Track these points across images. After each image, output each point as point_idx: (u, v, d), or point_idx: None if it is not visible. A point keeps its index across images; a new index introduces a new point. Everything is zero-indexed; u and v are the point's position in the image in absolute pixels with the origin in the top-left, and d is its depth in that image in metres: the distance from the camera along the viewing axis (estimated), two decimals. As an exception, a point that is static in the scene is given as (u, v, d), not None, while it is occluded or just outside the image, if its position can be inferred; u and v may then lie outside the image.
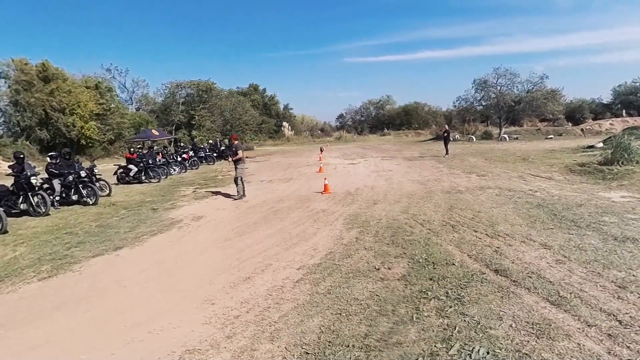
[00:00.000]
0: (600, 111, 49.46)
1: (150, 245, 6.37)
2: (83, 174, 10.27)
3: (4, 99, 29.00)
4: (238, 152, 10.44)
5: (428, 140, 34.19)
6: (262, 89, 57.60)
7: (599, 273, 4.07)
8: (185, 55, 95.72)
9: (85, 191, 10.12)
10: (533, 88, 28.50)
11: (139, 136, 32.49)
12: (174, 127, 42.21)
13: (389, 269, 4.57)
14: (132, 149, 15.48)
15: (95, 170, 11.46)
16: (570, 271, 4.17)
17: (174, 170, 17.31)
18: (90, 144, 31.15)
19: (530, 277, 4.06)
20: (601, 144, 17.18)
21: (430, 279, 4.17)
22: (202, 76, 52.74)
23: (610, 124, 34.61)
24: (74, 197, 10.17)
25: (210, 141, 29.52)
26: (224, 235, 6.75)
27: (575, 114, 46.80)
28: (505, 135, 27.89)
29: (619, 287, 3.74)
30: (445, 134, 18.40)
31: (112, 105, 36.07)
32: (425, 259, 4.79)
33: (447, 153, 18.16)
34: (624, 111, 43.14)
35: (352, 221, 7.00)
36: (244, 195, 10.20)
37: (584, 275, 4.05)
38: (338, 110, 71.28)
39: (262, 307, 3.82)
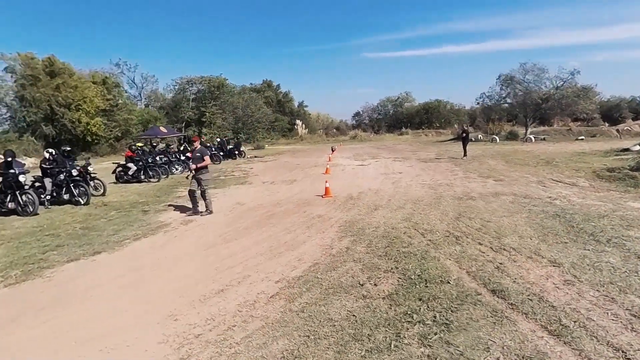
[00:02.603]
0: (641, 111, 47.48)
1: (131, 251, 6.30)
2: (75, 172, 10.36)
3: (10, 94, 29.89)
4: (205, 157, 8.86)
5: (448, 140, 33.45)
6: (275, 85, 57.90)
7: (612, 298, 3.72)
8: (197, 51, 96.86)
9: (76, 190, 10.20)
10: (562, 85, 27.47)
11: (147, 133, 33.03)
12: (183, 125, 42.82)
13: (375, 285, 4.33)
14: (132, 147, 15.62)
15: (90, 169, 11.57)
16: (579, 294, 3.83)
17: (176, 169, 17.40)
18: (96, 141, 31.82)
19: (530, 299, 3.75)
20: (638, 147, 16.37)
21: (419, 299, 3.91)
22: (214, 72, 53.16)
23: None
24: (66, 197, 10.27)
25: (218, 139, 29.67)
26: (210, 241, 6.62)
27: (612, 113, 45.03)
28: (531, 136, 26.96)
29: (634, 316, 3.39)
30: (464, 134, 17.87)
31: (120, 101, 36.85)
32: (419, 275, 4.52)
33: (465, 154, 17.65)
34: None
35: (347, 229, 6.77)
36: (209, 210, 8.71)
37: (594, 300, 3.71)
38: (355, 108, 70.73)
39: (228, 325, 3.64)
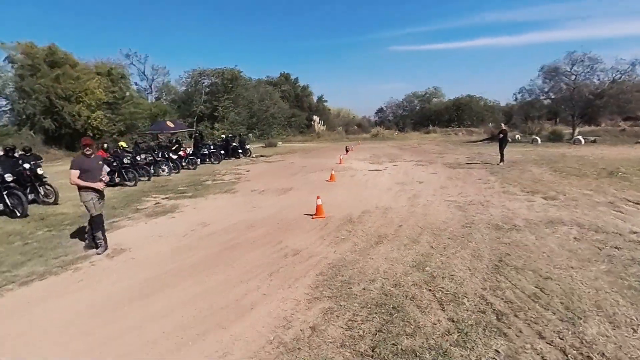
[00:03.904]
0: None
1: (5, 304, 4.34)
2: (9, 177, 8.60)
3: (10, 85, 29.13)
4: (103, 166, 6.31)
5: (482, 140, 30.47)
6: (294, 79, 56.01)
7: None
8: (211, 43, 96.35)
9: (10, 200, 8.44)
10: (620, 78, 24.03)
11: (152, 128, 31.75)
12: (195, 119, 41.50)
13: None
14: (105, 145, 13.90)
15: (40, 171, 9.85)
16: None
17: (162, 170, 15.62)
18: (98, 136, 30.69)
19: None
20: None
21: None
22: (229, 64, 51.74)
23: None
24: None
25: (223, 135, 27.95)
26: (124, 293, 4.58)
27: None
28: (580, 137, 23.68)
29: None
30: (501, 135, 15.19)
31: (127, 94, 35.80)
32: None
33: (502, 160, 15.00)
34: None
35: (326, 281, 4.58)
36: (104, 247, 6.10)
37: None
38: (379, 104, 67.97)
39: None
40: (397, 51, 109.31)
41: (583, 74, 25.16)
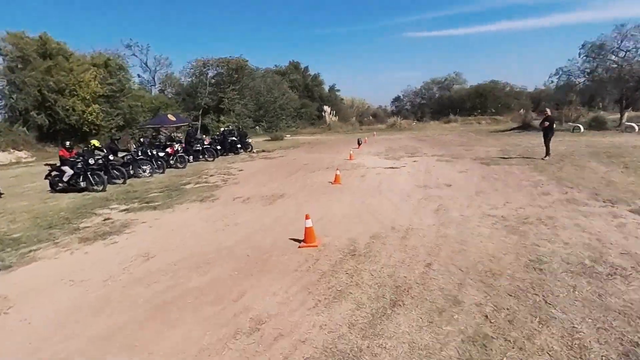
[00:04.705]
0: None
1: None
2: None
3: (1, 79, 27.55)
4: None
5: (511, 130, 27.46)
6: (303, 68, 53.41)
7: None
8: (216, 31, 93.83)
9: None
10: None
11: (152, 122, 29.95)
12: (200, 112, 39.65)
13: None
14: (68, 144, 11.86)
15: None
16: None
17: (143, 171, 13.54)
18: (94, 131, 28.99)
19: None
20: None
21: None
22: (235, 53, 49.55)
23: None
24: None
25: (223, 128, 25.82)
26: None
27: None
28: (633, 124, 20.52)
29: None
30: (546, 124, 12.43)
31: (126, 86, 34.00)
32: None
33: (547, 153, 12.31)
34: None
35: None
36: None
37: None
38: (396, 93, 64.74)
39: None
40: (413, 37, 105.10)
41: (634, 49, 21.88)
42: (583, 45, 23.67)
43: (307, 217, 5.48)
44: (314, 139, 31.15)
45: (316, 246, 5.36)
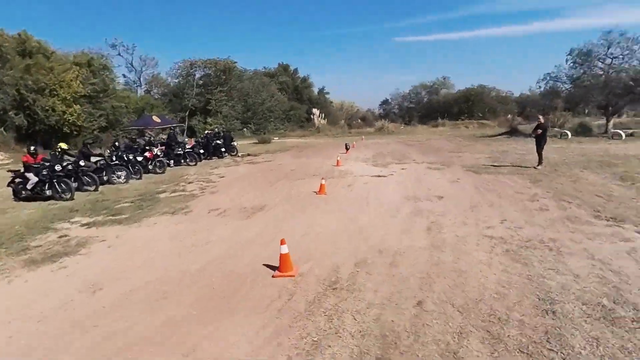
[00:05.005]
0: None
1: None
2: None
3: (-22, 78, 26.12)
4: None
5: (499, 135, 27.02)
6: (292, 70, 52.56)
7: None
8: (204, 32, 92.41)
9: None
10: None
11: (137, 123, 28.89)
12: (187, 114, 38.60)
13: None
14: (32, 149, 10.87)
15: None
16: None
17: (117, 177, 12.58)
18: (75, 132, 27.70)
19: None
20: None
21: None
22: (223, 55, 48.50)
23: None
24: None
25: (207, 131, 24.94)
26: None
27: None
28: (620, 131, 20.19)
29: None
30: (539, 131, 11.83)
31: (110, 86, 32.73)
32: None
33: (540, 162, 11.74)
34: None
35: None
36: None
37: None
38: (384, 97, 64.28)
39: None
40: (402, 42, 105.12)
41: (622, 56, 21.59)
42: (570, 52, 23.37)
43: (282, 242, 4.70)
44: (302, 142, 30.39)
45: (293, 276, 4.59)
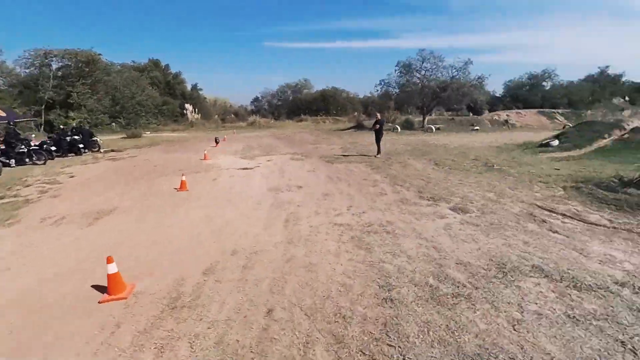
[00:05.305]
0: (495, 103, 49.49)
1: None
2: None
3: None
4: None
5: (349, 129, 28.69)
6: (164, 65, 46.57)
7: None
8: (62, 21, 76.10)
9: None
10: (457, 74, 24.58)
11: (-28, 117, 21.54)
12: (43, 107, 30.61)
13: None
14: None
15: None
16: None
17: None
18: None
19: None
20: (557, 142, 13.17)
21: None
22: (85, 46, 40.06)
23: (507, 115, 33.21)
24: None
25: (63, 126, 20.13)
26: None
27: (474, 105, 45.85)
28: (432, 126, 23.52)
29: None
30: (377, 126, 12.64)
31: None
32: None
33: (379, 152, 12.48)
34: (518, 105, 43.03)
35: None
36: None
37: None
38: (255, 94, 62.55)
39: None
40: (270, 46, 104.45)
41: (431, 69, 24.99)
42: (397, 64, 26.10)
43: (109, 261, 3.44)
44: (175, 136, 27.11)
45: (125, 298, 3.41)
